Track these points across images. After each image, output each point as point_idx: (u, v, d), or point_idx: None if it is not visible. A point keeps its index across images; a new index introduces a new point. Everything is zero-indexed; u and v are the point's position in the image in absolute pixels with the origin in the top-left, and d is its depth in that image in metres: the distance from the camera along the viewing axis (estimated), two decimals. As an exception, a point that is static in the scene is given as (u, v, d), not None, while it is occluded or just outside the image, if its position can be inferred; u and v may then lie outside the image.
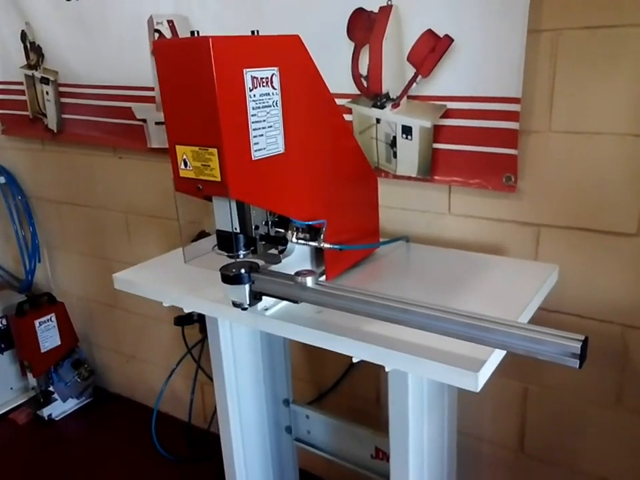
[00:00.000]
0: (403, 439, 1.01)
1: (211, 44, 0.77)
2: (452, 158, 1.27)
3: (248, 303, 0.94)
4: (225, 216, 0.91)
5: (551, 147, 1.16)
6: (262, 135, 0.87)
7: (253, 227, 0.90)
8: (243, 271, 0.93)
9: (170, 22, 1.62)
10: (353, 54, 1.35)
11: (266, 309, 0.99)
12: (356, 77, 1.36)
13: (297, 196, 0.96)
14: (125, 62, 1.74)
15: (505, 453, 1.43)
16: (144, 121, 1.77)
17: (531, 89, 1.15)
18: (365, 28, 1.32)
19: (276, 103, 0.89)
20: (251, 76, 0.84)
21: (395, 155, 1.35)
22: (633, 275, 1.15)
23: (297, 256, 1.03)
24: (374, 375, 1.59)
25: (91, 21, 1.77)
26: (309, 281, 0.87)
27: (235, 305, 0.97)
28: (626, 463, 1.27)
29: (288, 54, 0.91)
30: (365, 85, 1.35)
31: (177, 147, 0.86)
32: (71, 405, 2.25)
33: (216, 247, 0.94)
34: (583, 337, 0.67)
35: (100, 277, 2.17)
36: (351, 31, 1.33)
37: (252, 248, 0.92)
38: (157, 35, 1.65)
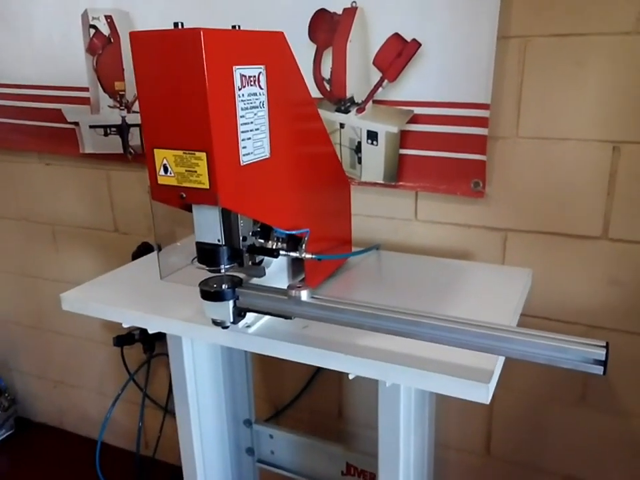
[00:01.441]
0: (393, 454, 0.97)
1: (202, 36, 0.69)
2: (419, 164, 1.26)
3: (231, 320, 0.87)
4: (207, 227, 0.82)
5: (518, 153, 1.18)
6: (250, 139, 0.80)
7: (241, 238, 0.83)
8: (225, 286, 0.86)
9: (108, 17, 1.49)
10: (315, 56, 1.30)
11: (248, 326, 0.91)
12: (318, 80, 1.31)
13: (281, 204, 0.90)
14: (54, 60, 1.59)
15: (472, 459, 1.43)
16: (76, 124, 1.62)
17: (499, 95, 1.15)
18: (327, 30, 1.28)
19: (262, 104, 0.82)
20: (240, 74, 0.77)
21: (359, 161, 1.32)
22: (597, 277, 1.18)
23: (273, 267, 0.96)
24: (335, 388, 1.55)
25: (12, 13, 1.60)
26: (304, 294, 0.81)
27: (216, 323, 0.89)
28: (590, 460, 1.31)
29: (273, 51, 0.84)
30: (328, 89, 1.31)
31: (156, 150, 0.77)
32: (-10, 439, 2.02)
33: (195, 261, 0.86)
34: (604, 343, 0.66)
35: (22, 296, 1.97)
36: (313, 33, 1.29)
37: (237, 261, 0.84)
38: (92, 30, 1.52)
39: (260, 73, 0.80)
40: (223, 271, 0.85)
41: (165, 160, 0.77)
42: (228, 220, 0.82)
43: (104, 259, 1.75)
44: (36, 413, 2.14)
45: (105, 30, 1.50)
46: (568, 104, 1.11)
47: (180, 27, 0.73)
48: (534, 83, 1.13)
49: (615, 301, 1.19)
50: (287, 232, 0.90)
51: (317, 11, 1.27)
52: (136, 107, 1.52)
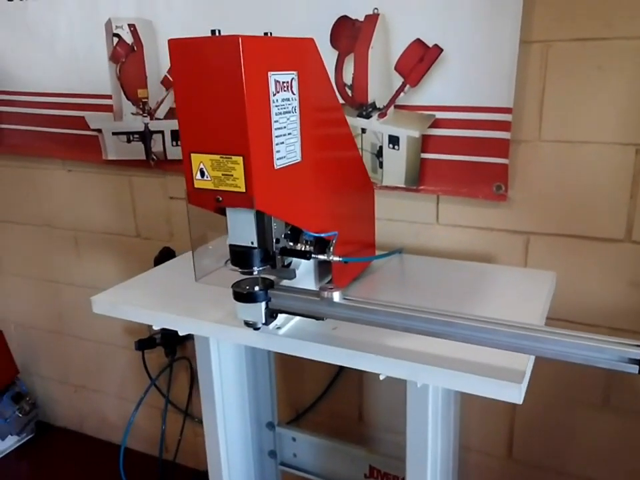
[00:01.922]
0: (421, 455, 0.98)
1: (240, 43, 0.71)
2: (441, 168, 1.27)
3: (264, 321, 0.88)
4: (241, 230, 0.84)
5: (541, 156, 1.19)
6: (283, 143, 0.82)
7: (274, 241, 0.84)
8: (257, 288, 0.87)
9: (131, 26, 1.52)
10: (337, 62, 1.32)
11: (278, 328, 0.93)
12: (340, 85, 1.33)
13: (310, 207, 0.91)
14: (78, 68, 1.62)
15: (493, 461, 1.43)
16: (99, 131, 1.65)
17: (521, 99, 1.16)
18: (349, 36, 1.29)
19: (295, 109, 0.84)
20: (274, 79, 0.78)
21: (381, 165, 1.33)
22: (620, 279, 1.19)
23: (301, 269, 0.98)
24: (356, 391, 1.56)
25: (38, 24, 1.63)
26: (336, 296, 0.82)
27: (248, 324, 0.91)
28: (613, 464, 1.31)
29: (304, 57, 0.86)
30: (350, 95, 1.33)
31: (193, 155, 0.79)
32: (11, 442, 2.04)
33: (229, 263, 0.87)
34: (639, 343, 0.67)
35: (43, 302, 2.00)
36: (335, 39, 1.31)
37: (270, 263, 0.86)
38: (115, 39, 1.55)
39: (292, 78, 0.82)
40: (255, 273, 0.86)
41: (201, 164, 0.79)
42: (261, 223, 0.83)
43: (126, 264, 1.77)
44: (56, 417, 2.16)
45: (128, 38, 1.53)
46: (589, 108, 1.12)
47: (217, 34, 0.75)
48: (556, 87, 1.14)
49: (636, 303, 1.19)
50: (316, 235, 0.92)
51: (338, 18, 1.29)
52: (159, 113, 1.54)
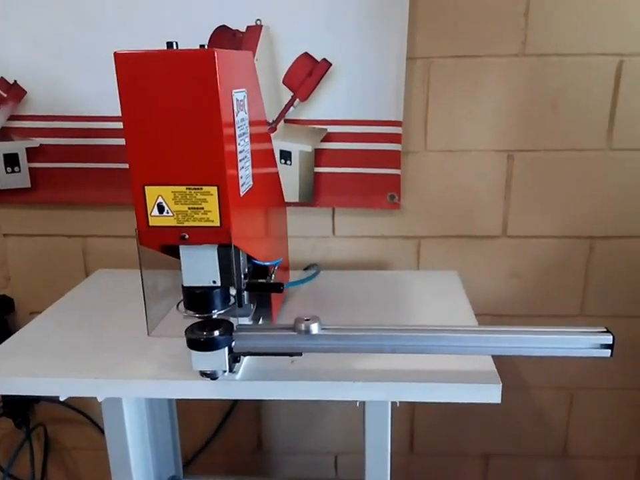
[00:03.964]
0: (382, 470, 0.97)
1: (216, 58, 0.62)
2: (335, 181, 1.27)
3: (226, 369, 0.78)
4: (200, 269, 0.73)
5: (428, 165, 1.26)
6: (243, 167, 0.74)
7: (242, 277, 0.75)
8: (217, 332, 0.77)
9: None
10: (215, 75, 1.23)
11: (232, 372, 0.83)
12: (220, 100, 1.25)
13: (259, 233, 0.84)
14: None
15: (397, 459, 1.49)
16: None
17: (408, 112, 1.22)
18: (230, 48, 1.22)
19: (247, 129, 0.76)
20: (236, 98, 0.70)
21: (273, 182, 1.28)
22: (500, 271, 1.33)
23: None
24: (253, 420, 1.48)
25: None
26: (315, 327, 0.77)
27: (205, 374, 0.80)
28: (508, 436, 1.46)
29: (247, 72, 0.79)
30: (232, 109, 1.25)
31: (148, 188, 0.66)
32: None
33: (181, 307, 0.76)
34: (604, 328, 0.75)
35: None
36: (212, 51, 1.22)
37: (232, 302, 0.77)
38: None
39: (244, 96, 0.74)
40: (215, 315, 0.76)
41: (160, 198, 0.67)
42: (225, 258, 0.74)
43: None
44: None
45: None
46: (468, 119, 1.23)
47: (175, 47, 0.64)
48: (438, 101, 1.22)
49: (514, 291, 1.34)
50: (266, 263, 0.85)
51: (217, 28, 1.21)
52: (-9, 135, 1.27)
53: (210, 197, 0.66)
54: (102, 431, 1.50)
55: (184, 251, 0.72)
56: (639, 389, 1.40)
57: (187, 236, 0.68)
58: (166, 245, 0.70)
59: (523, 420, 1.44)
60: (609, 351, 0.74)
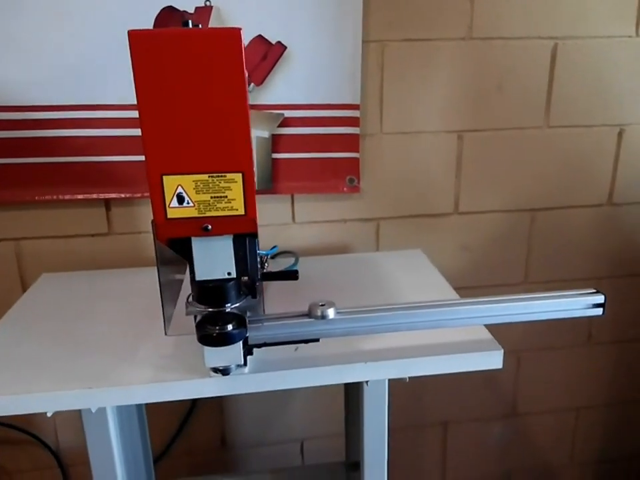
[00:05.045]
0: (380, 453, 0.98)
1: (242, 36, 0.59)
2: (294, 166, 1.26)
3: (242, 362, 0.76)
4: (215, 261, 0.70)
5: (384, 148, 1.29)
6: (252, 152, 0.71)
7: (258, 267, 0.72)
8: (231, 326, 0.74)
9: None
10: (164, 60, 1.17)
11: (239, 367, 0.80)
12: (170, 86, 1.18)
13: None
14: None
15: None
16: None
17: (364, 95, 1.24)
18: (177, 31, 1.16)
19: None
20: (247, 79, 0.67)
21: (230, 171, 1.24)
22: (453, 246, 1.39)
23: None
24: (216, 417, 1.44)
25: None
26: (332, 312, 0.76)
27: (217, 371, 0.76)
28: (460, 407, 1.54)
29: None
30: (184, 96, 1.19)
31: (167, 178, 0.62)
32: None
33: (191, 303, 0.72)
34: (595, 290, 0.82)
35: None
36: (159, 34, 1.15)
37: (247, 294, 0.74)
38: None
39: (247, 76, 0.71)
40: (229, 309, 0.73)
41: (180, 188, 0.62)
42: (242, 248, 0.71)
43: None
44: None
45: None
46: (420, 101, 1.27)
47: (191, 26, 0.60)
48: (392, 83, 1.25)
49: (465, 264, 1.41)
50: (265, 252, 0.82)
51: (162, 9, 1.14)
52: None
53: (234, 185, 0.63)
54: (49, 449, 1.40)
55: (197, 243, 0.68)
56: (576, 347, 1.53)
57: (210, 227, 0.64)
58: (184, 237, 0.65)
59: (476, 386, 1.53)
60: (601, 309, 0.81)
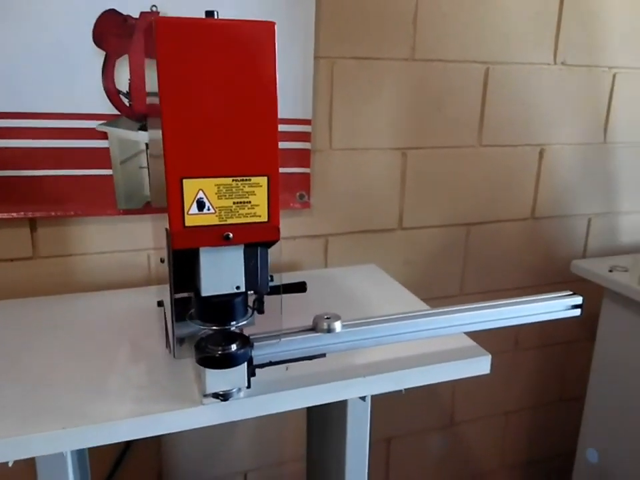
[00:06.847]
0: (361, 472, 0.96)
1: (276, 31, 0.55)
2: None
3: (246, 385, 0.70)
4: (223, 274, 0.64)
5: (333, 163, 1.28)
6: (262, 157, 0.67)
7: (268, 279, 0.67)
8: (235, 346, 0.68)
9: None
10: (105, 65, 1.08)
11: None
12: (112, 93, 1.10)
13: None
14: None
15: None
16: None
17: (314, 111, 1.23)
18: (120, 35, 1.08)
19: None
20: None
21: (177, 186, 1.16)
22: (398, 260, 1.41)
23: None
24: (153, 453, 1.33)
25: None
26: (338, 325, 0.73)
27: (217, 396, 0.70)
28: (404, 422, 1.55)
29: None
30: (127, 104, 1.11)
31: (187, 182, 0.56)
32: None
33: (195, 319, 0.65)
34: (571, 292, 0.87)
35: None
36: (100, 38, 1.07)
37: (254, 309, 0.69)
38: None
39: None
40: (234, 327, 0.67)
41: (200, 193, 0.57)
42: (252, 259, 0.66)
43: None
44: None
45: None
46: (368, 118, 1.28)
47: (216, 16, 0.56)
48: (341, 100, 1.25)
49: (407, 278, 1.44)
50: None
51: (104, 12, 1.06)
52: None
53: (259, 189, 0.59)
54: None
55: (205, 254, 0.62)
56: (503, 353, 1.62)
57: (231, 235, 0.59)
58: (200, 247, 0.59)
59: (418, 398, 1.55)
60: (579, 310, 0.86)
